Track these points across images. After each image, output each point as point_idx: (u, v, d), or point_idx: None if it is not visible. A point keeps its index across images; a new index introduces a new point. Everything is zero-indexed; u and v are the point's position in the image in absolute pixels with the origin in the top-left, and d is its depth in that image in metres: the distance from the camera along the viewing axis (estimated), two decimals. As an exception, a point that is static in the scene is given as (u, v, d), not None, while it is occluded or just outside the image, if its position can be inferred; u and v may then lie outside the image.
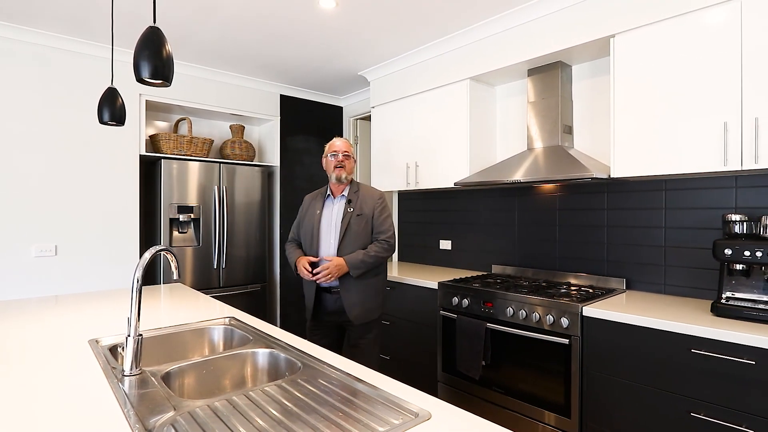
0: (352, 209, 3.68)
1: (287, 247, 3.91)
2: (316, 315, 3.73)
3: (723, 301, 3.07)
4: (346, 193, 3.76)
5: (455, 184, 4.72)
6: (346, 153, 3.72)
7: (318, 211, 3.74)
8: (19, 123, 4.71)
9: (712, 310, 3.05)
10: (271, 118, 6.75)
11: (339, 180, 3.69)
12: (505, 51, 4.46)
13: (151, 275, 5.76)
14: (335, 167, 3.69)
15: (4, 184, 4.63)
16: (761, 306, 2.89)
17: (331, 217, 3.71)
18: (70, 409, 1.62)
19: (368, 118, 7.27)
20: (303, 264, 3.54)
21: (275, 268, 6.82)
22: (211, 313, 3.16)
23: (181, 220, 5.67)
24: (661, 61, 3.39)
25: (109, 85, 5.14)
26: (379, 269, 3.79)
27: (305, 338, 3.19)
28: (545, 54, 4.14)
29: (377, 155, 6.01)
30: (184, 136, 5.85)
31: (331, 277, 3.46)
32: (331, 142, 3.82)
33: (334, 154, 3.71)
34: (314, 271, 3.50)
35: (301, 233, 3.83)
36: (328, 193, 3.79)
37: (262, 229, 6.41)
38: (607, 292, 3.85)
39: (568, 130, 4.33)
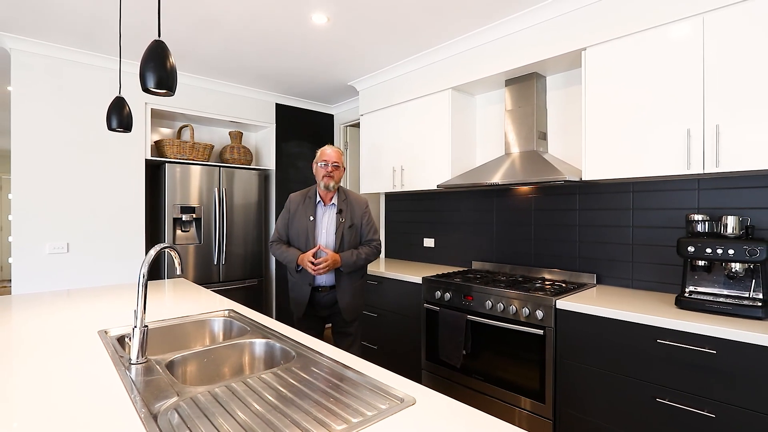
0: (343, 220, 3.66)
1: (277, 247, 3.75)
2: (307, 311, 3.71)
3: (686, 294, 3.06)
4: (335, 201, 3.72)
5: (438, 186, 4.70)
6: (336, 163, 3.64)
7: (311, 218, 3.65)
8: (33, 130, 4.66)
9: (676, 303, 3.05)
10: (267, 125, 6.73)
11: (327, 188, 3.63)
12: (484, 63, 4.45)
13: (155, 271, 5.71)
14: (324, 176, 3.62)
15: (21, 187, 4.59)
16: (722, 299, 2.89)
17: (323, 224, 3.67)
18: (81, 394, 1.61)
19: (357, 125, 7.26)
20: (309, 259, 3.46)
21: (271, 264, 6.79)
22: (211, 306, 3.14)
23: (183, 219, 5.65)
24: (629, 72, 3.38)
25: (117, 94, 5.12)
26: (363, 271, 3.84)
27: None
28: (521, 65, 4.13)
29: (366, 160, 5.99)
30: (186, 142, 5.81)
31: (327, 269, 3.45)
32: (322, 149, 3.73)
33: (324, 164, 3.62)
34: (315, 263, 3.44)
35: (291, 234, 3.75)
36: (318, 199, 3.71)
37: (258, 228, 6.38)
38: (579, 287, 3.85)
39: (543, 136, 4.33)
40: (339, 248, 3.62)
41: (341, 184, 3.92)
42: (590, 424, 3.18)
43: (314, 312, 3.73)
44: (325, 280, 3.63)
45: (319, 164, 3.67)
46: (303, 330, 3.67)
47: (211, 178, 5.89)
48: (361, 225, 3.76)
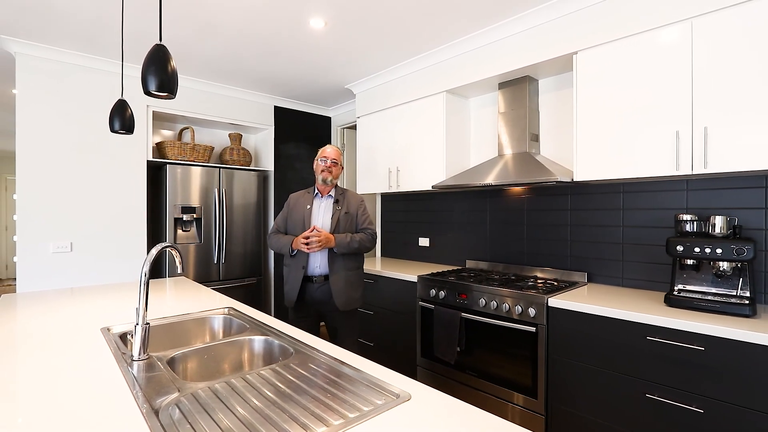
0: (340, 207, 3.73)
1: (274, 237, 3.83)
2: (299, 303, 3.71)
3: (675, 292, 3.07)
4: (333, 194, 3.81)
5: (433, 187, 4.70)
6: (335, 160, 3.79)
7: (308, 206, 3.76)
8: (38, 132, 4.65)
9: (665, 301, 3.05)
10: (266, 127, 6.72)
11: (325, 182, 3.75)
12: (478, 66, 4.45)
13: (157, 270, 5.69)
14: (322, 170, 3.75)
15: (25, 188, 4.58)
16: (710, 297, 2.90)
17: (319, 212, 3.75)
18: (84, 390, 1.61)
19: (354, 127, 7.25)
20: (301, 239, 3.51)
21: (270, 263, 6.78)
22: (211, 303, 3.14)
23: (184, 219, 5.64)
24: (619, 75, 3.38)
25: (119, 97, 5.13)
26: (359, 262, 3.84)
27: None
28: (514, 69, 4.13)
29: (362, 161, 5.98)
30: (187, 144, 5.80)
31: (320, 245, 3.47)
32: (322, 148, 3.87)
33: (324, 159, 3.77)
34: (308, 236, 3.48)
35: (289, 226, 3.82)
36: (316, 192, 3.82)
37: (257, 228, 6.38)
38: (571, 285, 3.85)
39: (535, 138, 4.33)
40: (334, 232, 3.66)
41: (339, 184, 3.95)
42: (581, 420, 3.18)
43: (308, 309, 3.74)
44: (319, 264, 3.65)
45: (318, 161, 3.82)
46: (297, 327, 3.68)
47: (212, 179, 5.88)
48: (356, 215, 3.82)
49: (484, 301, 3.81)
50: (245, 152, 6.55)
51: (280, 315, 6.71)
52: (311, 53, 4.93)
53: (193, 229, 5.78)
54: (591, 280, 4.02)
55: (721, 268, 2.92)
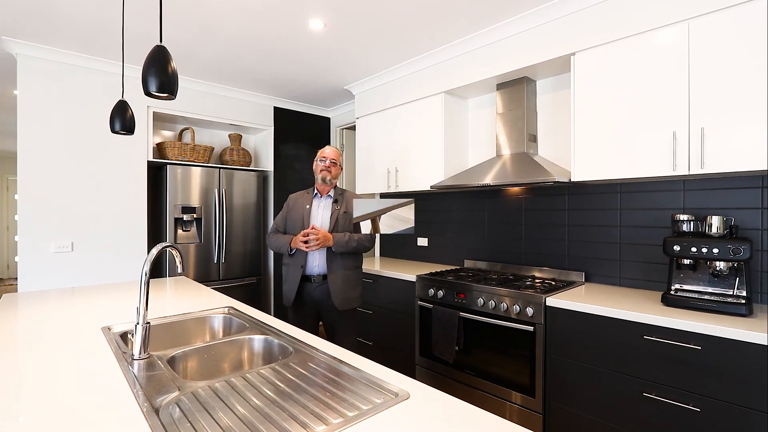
0: (339, 207, 3.72)
1: (273, 236, 3.83)
2: (297, 302, 3.72)
3: (672, 292, 3.07)
4: (332, 194, 3.80)
5: (431, 187, 4.69)
6: (333, 160, 3.79)
7: (307, 206, 3.76)
8: (39, 132, 4.65)
9: (662, 301, 3.04)
10: (265, 127, 6.72)
11: (324, 181, 3.75)
12: (476, 67, 4.45)
13: (157, 269, 5.69)
14: (322, 170, 3.76)
15: (27, 188, 4.58)
16: (706, 297, 2.90)
17: (318, 211, 3.75)
18: (85, 389, 1.61)
19: (353, 128, 7.26)
20: (299, 238, 3.51)
21: (269, 262, 6.77)
22: (211, 303, 3.13)
23: (184, 219, 5.64)
24: (616, 76, 3.38)
25: (120, 98, 5.12)
26: (358, 262, 3.83)
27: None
28: (512, 70, 4.13)
29: (361, 161, 5.97)
30: (187, 144, 5.79)
31: (318, 244, 3.46)
32: (322, 149, 3.86)
33: (323, 160, 3.77)
34: (306, 233, 3.48)
35: (288, 225, 3.82)
36: (316, 192, 3.82)
37: (257, 228, 6.38)
38: (568, 284, 3.85)
39: (533, 138, 4.33)
40: (333, 231, 3.66)
41: (338, 185, 3.95)
42: (579, 418, 3.18)
43: (307, 308, 3.73)
44: (317, 264, 3.64)
45: (318, 161, 3.82)
46: (297, 326, 3.67)
47: (212, 179, 5.88)
48: None
49: (482, 300, 3.80)
50: (245, 153, 6.55)
51: (279, 314, 6.70)
52: (311, 54, 4.92)
53: (194, 229, 5.78)
54: (588, 279, 4.02)
55: (717, 268, 2.92)
